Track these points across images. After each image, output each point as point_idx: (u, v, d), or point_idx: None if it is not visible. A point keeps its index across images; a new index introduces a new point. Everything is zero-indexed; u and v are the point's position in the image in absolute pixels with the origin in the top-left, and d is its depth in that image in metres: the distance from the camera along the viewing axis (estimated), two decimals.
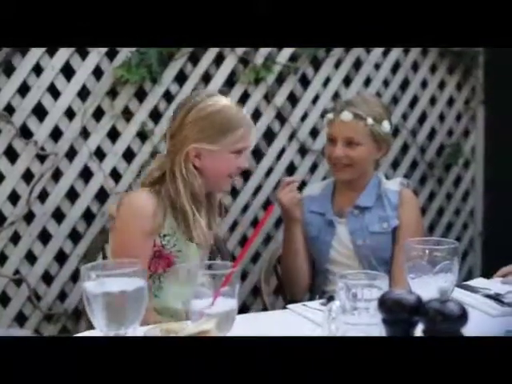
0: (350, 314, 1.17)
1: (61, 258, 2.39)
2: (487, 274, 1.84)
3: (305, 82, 2.72)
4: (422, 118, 3.00)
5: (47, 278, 2.38)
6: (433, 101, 3.01)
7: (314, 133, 2.76)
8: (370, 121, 2.04)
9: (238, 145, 1.72)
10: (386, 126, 2.07)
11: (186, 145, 1.70)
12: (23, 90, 2.27)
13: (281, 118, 2.69)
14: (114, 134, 2.42)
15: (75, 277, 2.37)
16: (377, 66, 2.86)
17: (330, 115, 2.10)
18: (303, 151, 2.75)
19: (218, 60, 2.55)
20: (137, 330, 1.16)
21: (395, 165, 2.92)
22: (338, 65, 2.76)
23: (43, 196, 2.34)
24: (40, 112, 2.31)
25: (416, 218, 2.13)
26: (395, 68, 2.90)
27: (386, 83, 2.88)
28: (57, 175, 2.35)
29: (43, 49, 2.27)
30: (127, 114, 2.43)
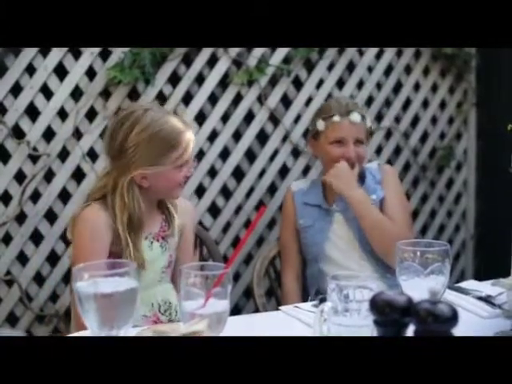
0: (341, 315, 1.18)
1: (53, 258, 2.38)
2: (479, 275, 1.85)
3: (298, 84, 2.73)
4: (415, 121, 3.01)
5: (39, 279, 2.37)
6: (425, 104, 3.02)
7: (307, 135, 2.76)
8: (368, 122, 2.19)
9: (180, 160, 1.74)
10: (369, 124, 2.22)
11: (130, 170, 1.70)
12: (16, 90, 2.27)
13: (274, 119, 2.70)
14: None
15: (67, 278, 2.36)
16: (370, 69, 2.86)
17: (336, 118, 2.14)
18: (296, 153, 2.75)
19: (212, 61, 2.55)
20: (129, 331, 1.16)
21: None
22: (331, 67, 2.77)
23: (35, 196, 2.33)
24: (33, 112, 2.30)
25: (399, 188, 2.25)
26: (388, 71, 2.91)
27: (378, 86, 2.89)
28: (49, 176, 2.35)
29: (36, 49, 2.26)
30: None
